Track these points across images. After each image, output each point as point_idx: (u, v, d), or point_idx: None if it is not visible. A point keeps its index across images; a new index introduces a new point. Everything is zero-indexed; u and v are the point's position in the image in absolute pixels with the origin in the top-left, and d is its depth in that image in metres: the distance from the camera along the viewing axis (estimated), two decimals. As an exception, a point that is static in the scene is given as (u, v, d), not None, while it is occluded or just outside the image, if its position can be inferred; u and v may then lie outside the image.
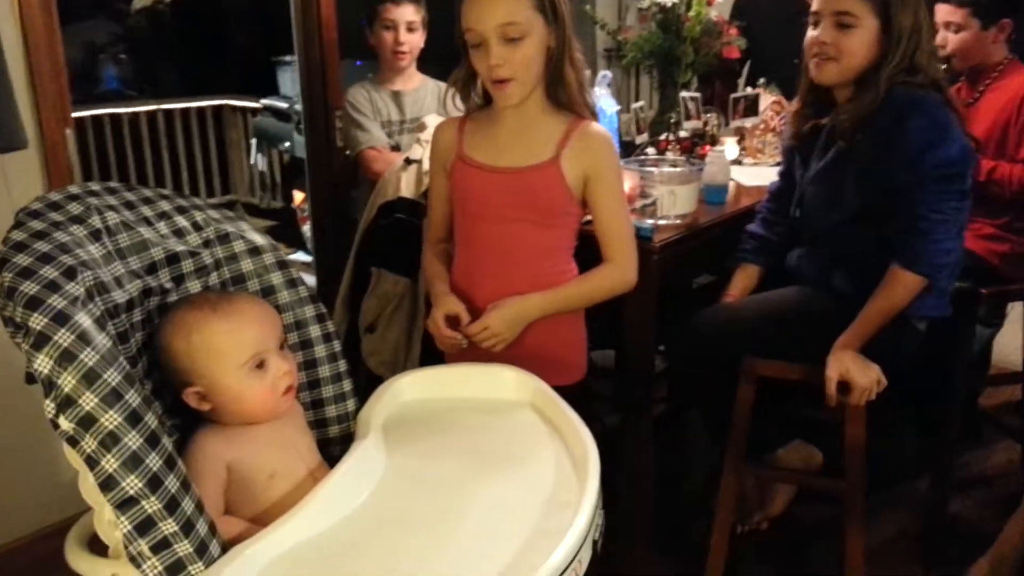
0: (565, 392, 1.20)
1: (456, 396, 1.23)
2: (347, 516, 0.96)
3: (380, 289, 1.97)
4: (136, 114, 5.20)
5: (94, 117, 4.98)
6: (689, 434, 2.54)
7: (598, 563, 0.96)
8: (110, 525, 0.87)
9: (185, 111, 5.44)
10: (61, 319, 0.83)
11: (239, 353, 0.99)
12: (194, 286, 1.11)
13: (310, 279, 3.40)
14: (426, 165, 1.85)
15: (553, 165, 1.47)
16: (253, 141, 5.20)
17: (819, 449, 1.97)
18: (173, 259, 1.09)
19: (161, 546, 0.84)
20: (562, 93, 1.48)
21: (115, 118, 5.10)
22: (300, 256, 4.50)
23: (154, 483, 0.84)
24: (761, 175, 2.25)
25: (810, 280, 1.84)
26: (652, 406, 1.92)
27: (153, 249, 1.07)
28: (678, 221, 1.88)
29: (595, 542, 0.95)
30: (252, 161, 5.28)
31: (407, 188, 1.94)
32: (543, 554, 0.86)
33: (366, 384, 1.26)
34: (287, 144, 4.69)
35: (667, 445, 2.42)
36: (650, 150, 2.32)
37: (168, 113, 5.37)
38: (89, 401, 0.82)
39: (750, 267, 1.95)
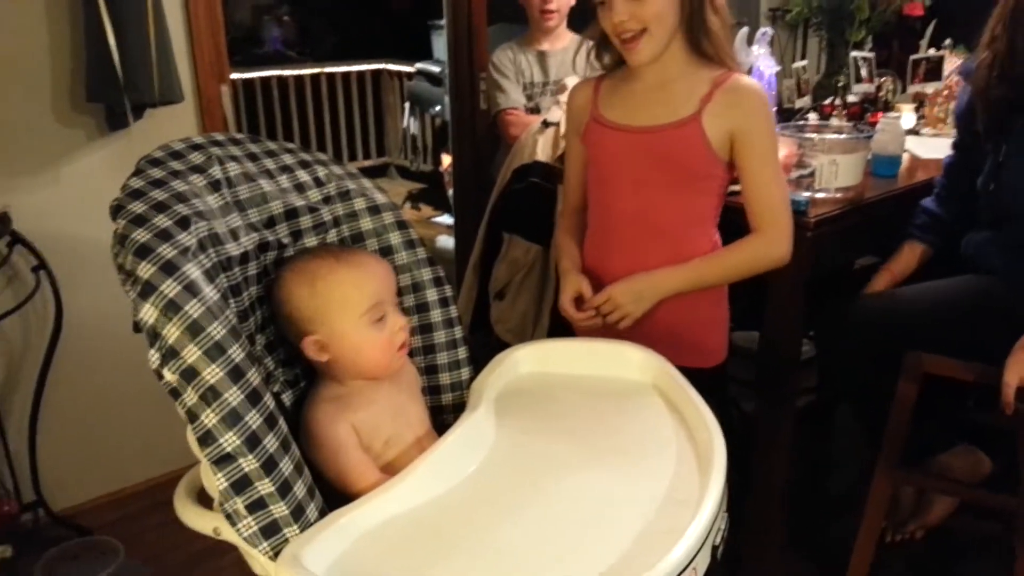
0: (701, 377, 1.11)
1: (576, 372, 1.16)
2: (449, 490, 0.92)
3: (511, 255, 1.93)
4: (300, 77, 5.40)
5: (262, 79, 5.22)
6: (840, 427, 2.35)
7: (718, 571, 0.86)
8: (214, 479, 0.86)
9: (346, 75, 5.60)
10: (169, 269, 0.81)
11: (361, 302, 0.97)
12: (311, 242, 1.08)
13: (451, 242, 3.45)
14: (564, 128, 1.77)
15: (694, 122, 1.35)
16: (406, 105, 5.28)
17: (988, 456, 1.75)
18: (292, 214, 1.07)
19: (257, 506, 0.81)
20: (707, 43, 1.35)
21: (281, 80, 5.32)
22: (445, 219, 4.59)
23: (252, 441, 0.81)
24: (941, 148, 2.00)
25: (995, 268, 1.61)
26: (795, 396, 1.77)
27: (272, 203, 1.05)
28: (839, 195, 1.70)
29: (715, 548, 0.85)
30: (404, 125, 5.36)
31: (543, 152, 1.87)
32: (653, 556, 0.77)
33: (495, 352, 1.20)
34: (438, 108, 4.72)
35: (814, 437, 2.27)
36: (812, 115, 2.12)
37: (330, 77, 5.55)
38: (192, 354, 0.80)
39: (916, 245, 1.75)
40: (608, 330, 1.39)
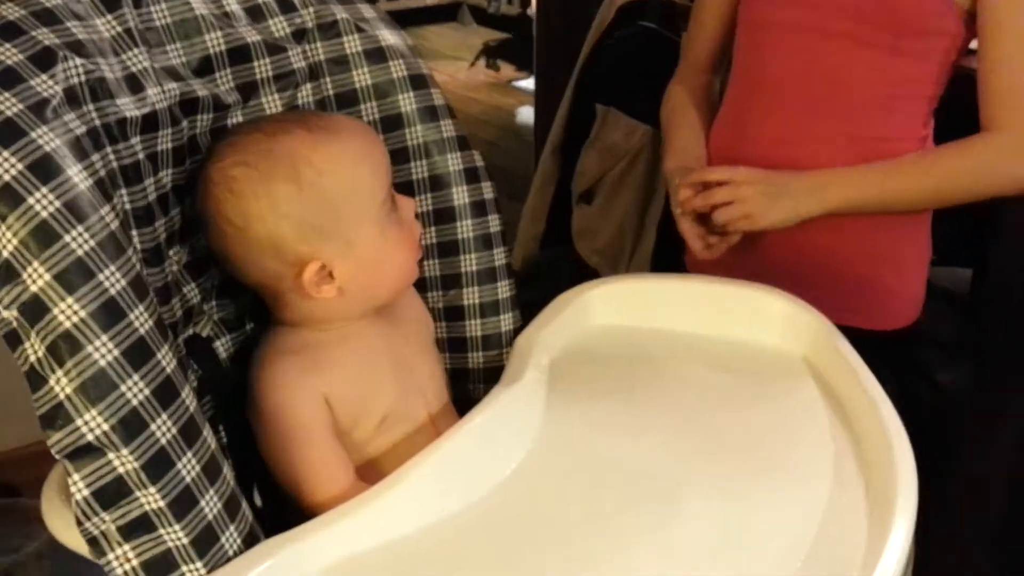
0: (880, 345, 1.08)
1: (681, 330, 1.06)
2: (461, 513, 0.81)
3: (606, 138, 1.82)
4: None
5: None
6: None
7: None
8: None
9: None
10: (9, 134, 0.68)
11: (377, 187, 0.88)
12: (271, 103, 0.95)
13: (531, 113, 3.31)
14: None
15: None
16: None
17: None
18: (240, 55, 0.92)
19: (137, 528, 0.70)
20: None
21: None
22: (531, 84, 4.47)
23: (132, 425, 0.69)
24: None
25: None
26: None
27: (209, 35, 0.90)
28: None
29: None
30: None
31: (664, -19, 1.76)
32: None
33: (571, 280, 1.13)
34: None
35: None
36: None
37: None
38: (38, 277, 0.68)
39: None
40: (737, 264, 1.23)
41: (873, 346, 0.97)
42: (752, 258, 1.24)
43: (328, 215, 0.85)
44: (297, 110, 0.96)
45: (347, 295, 0.88)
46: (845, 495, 0.83)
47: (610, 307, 1.07)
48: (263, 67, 0.94)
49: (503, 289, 1.04)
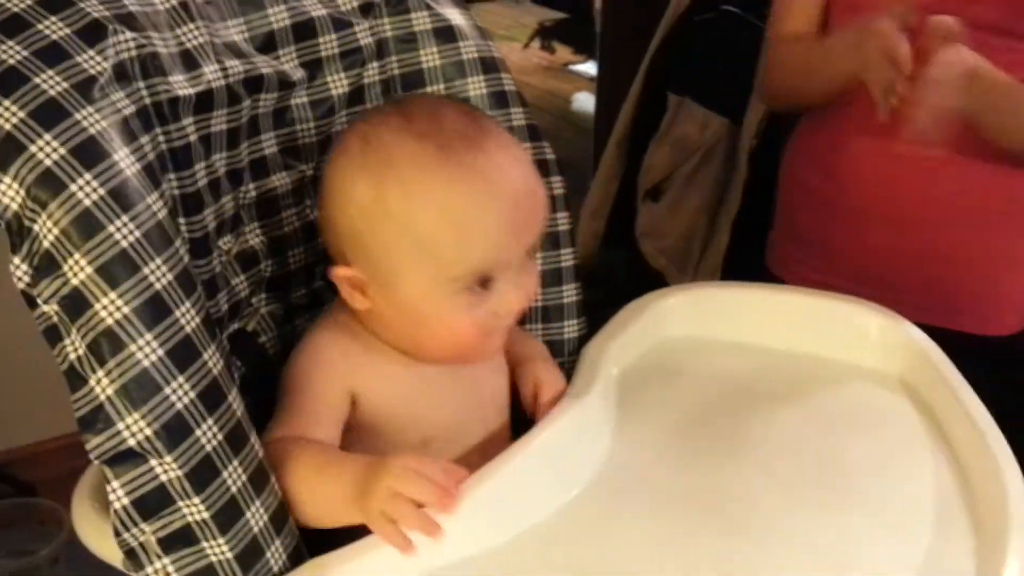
0: (984, 352, 1.10)
1: (766, 345, 1.06)
2: (523, 534, 0.80)
3: (678, 130, 1.82)
4: None
5: None
6: None
7: None
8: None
9: None
10: (52, 114, 0.69)
11: (459, 261, 0.82)
12: (337, 81, 0.98)
13: (591, 101, 3.30)
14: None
15: None
16: None
17: None
18: (306, 30, 0.95)
19: (179, 541, 0.73)
20: None
21: None
22: (589, 68, 4.58)
23: (176, 430, 0.71)
24: None
25: None
26: None
27: (272, 9, 0.93)
28: None
29: None
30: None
31: (747, -42, 1.77)
32: None
33: (635, 284, 1.17)
34: None
35: None
36: None
37: None
38: (79, 270, 0.69)
39: None
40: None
41: (977, 354, 0.98)
42: (853, 246, 1.25)
43: (380, 244, 0.83)
44: (468, 111, 0.89)
45: (382, 320, 0.86)
46: (950, 538, 0.81)
47: (688, 317, 1.06)
48: (329, 44, 0.96)
49: (569, 293, 1.04)
